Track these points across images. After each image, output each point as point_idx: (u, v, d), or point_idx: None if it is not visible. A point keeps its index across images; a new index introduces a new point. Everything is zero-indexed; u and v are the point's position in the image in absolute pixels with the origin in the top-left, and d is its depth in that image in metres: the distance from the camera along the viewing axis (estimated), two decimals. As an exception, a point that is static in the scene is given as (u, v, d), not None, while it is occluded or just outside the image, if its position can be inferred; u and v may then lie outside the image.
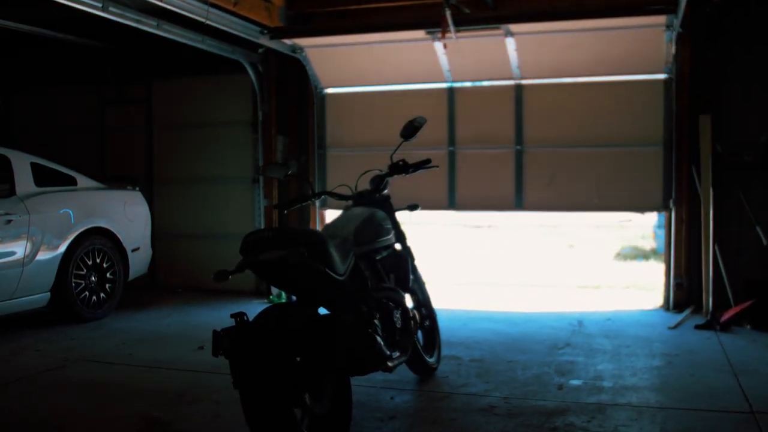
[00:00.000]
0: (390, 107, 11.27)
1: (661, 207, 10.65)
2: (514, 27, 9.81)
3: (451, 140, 11.22)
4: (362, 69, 11.36)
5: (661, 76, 10.28)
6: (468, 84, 11.16)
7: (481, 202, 11.36)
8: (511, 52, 10.36)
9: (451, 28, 9.50)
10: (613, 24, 9.53)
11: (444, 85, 11.15)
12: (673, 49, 9.85)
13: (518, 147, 10.93)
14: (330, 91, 11.73)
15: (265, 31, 10.16)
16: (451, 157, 11.22)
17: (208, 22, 8.99)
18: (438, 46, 10.34)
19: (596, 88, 10.59)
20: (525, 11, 9.86)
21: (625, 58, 10.22)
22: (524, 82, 10.83)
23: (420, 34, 10.14)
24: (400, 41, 10.49)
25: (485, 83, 11.13)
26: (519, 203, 11.05)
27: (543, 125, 10.87)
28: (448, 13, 9.39)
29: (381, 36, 10.43)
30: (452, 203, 11.31)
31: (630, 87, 10.44)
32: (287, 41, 10.71)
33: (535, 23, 9.74)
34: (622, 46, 10.04)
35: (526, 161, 10.92)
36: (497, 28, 9.80)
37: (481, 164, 11.17)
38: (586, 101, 10.65)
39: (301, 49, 11.00)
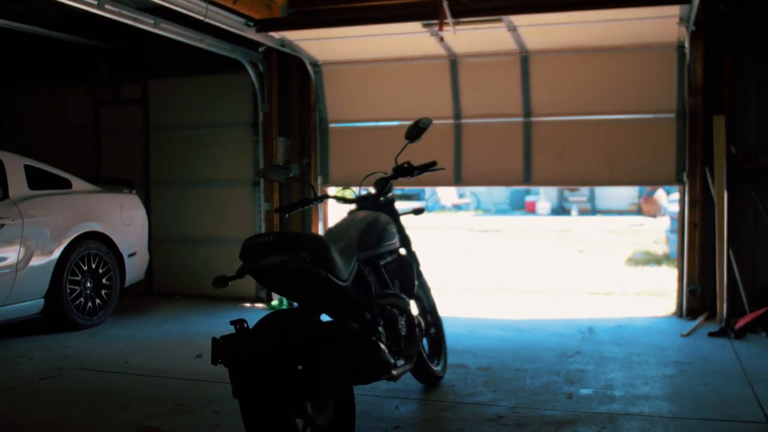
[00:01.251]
0: (392, 80, 11.30)
1: (674, 180, 10.59)
2: (516, 19, 9.49)
3: (457, 113, 11.20)
4: (359, 59, 11.38)
5: (675, 45, 10.17)
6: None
7: (488, 176, 11.36)
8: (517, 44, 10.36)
9: (449, 19, 9.24)
10: (625, 15, 9.40)
11: (446, 53, 10.96)
12: (687, 46, 9.86)
13: (526, 119, 10.90)
14: (328, 66, 11.66)
15: (251, 24, 9.94)
16: (457, 129, 11.20)
17: (207, 20, 9.00)
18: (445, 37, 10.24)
19: (607, 58, 10.47)
20: (528, 1, 9.43)
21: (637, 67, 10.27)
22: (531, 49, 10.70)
23: (417, 26, 9.79)
24: (397, 34, 10.23)
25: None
26: (527, 177, 11.02)
27: (552, 96, 10.80)
28: (445, 4, 9.11)
29: (376, 28, 10.10)
30: (458, 178, 11.29)
31: (643, 56, 10.33)
32: (275, 34, 10.46)
33: (539, 14, 9.40)
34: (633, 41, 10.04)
35: (535, 133, 10.89)
36: (498, 20, 9.51)
37: (487, 137, 11.16)
38: (597, 70, 10.57)
39: (291, 43, 10.81)
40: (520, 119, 10.94)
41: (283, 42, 10.67)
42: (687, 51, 9.98)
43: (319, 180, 11.73)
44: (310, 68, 11.53)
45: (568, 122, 10.83)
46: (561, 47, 10.56)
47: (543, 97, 10.82)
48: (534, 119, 10.87)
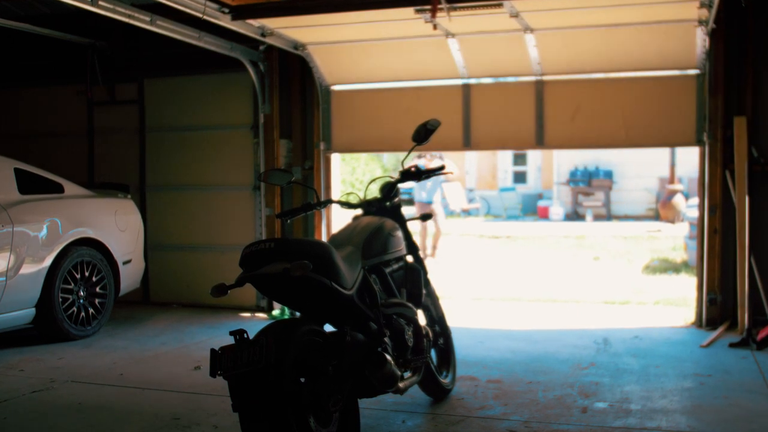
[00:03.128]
0: (391, 51, 11.09)
1: (693, 141, 10.46)
2: (518, 4, 9.14)
3: (463, 72, 11.09)
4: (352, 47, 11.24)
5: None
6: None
7: (499, 139, 11.33)
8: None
9: (444, 5, 8.87)
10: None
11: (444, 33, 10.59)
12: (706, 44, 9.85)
13: (538, 78, 10.83)
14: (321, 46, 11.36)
15: (226, 10, 9.37)
16: (466, 90, 11.15)
17: (205, 17, 9.01)
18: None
19: (622, 11, 9.98)
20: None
21: (657, 46, 10.17)
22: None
23: (409, 12, 9.36)
24: (387, 21, 9.91)
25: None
26: (540, 140, 10.97)
27: (564, 53, 10.59)
28: None
29: (364, 14, 9.67)
30: (467, 142, 11.25)
31: (660, 9, 9.95)
32: (254, 22, 9.97)
33: None
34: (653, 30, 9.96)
35: (547, 93, 10.84)
36: (499, 5, 9.12)
37: (497, 98, 11.11)
38: (612, 23, 10.14)
39: (272, 32, 10.43)
40: (532, 78, 10.85)
41: (263, 31, 10.29)
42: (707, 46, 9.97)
43: (322, 146, 11.72)
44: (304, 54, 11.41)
45: (583, 81, 10.75)
46: (570, 25, 10.20)
47: (555, 53, 10.56)
48: (546, 78, 10.79)
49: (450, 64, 10.96)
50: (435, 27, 9.43)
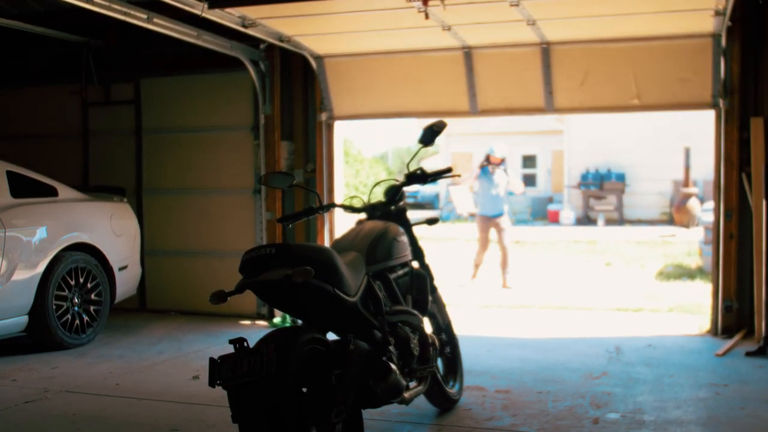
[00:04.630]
0: (385, 18, 10.19)
1: (709, 104, 10.36)
2: None
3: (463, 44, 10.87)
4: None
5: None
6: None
7: (507, 105, 11.26)
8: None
9: None
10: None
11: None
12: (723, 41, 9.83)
13: (544, 46, 10.64)
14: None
15: None
16: (468, 57, 10.98)
17: (204, 15, 9.00)
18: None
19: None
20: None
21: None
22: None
23: (399, 1, 8.96)
24: (376, 10, 9.54)
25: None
26: (549, 105, 10.91)
27: (572, 14, 10.00)
28: None
29: (351, 3, 9.45)
30: (474, 109, 11.17)
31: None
32: (233, 11, 9.46)
33: None
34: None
35: (554, 59, 10.68)
36: None
37: (502, 64, 10.97)
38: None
39: (254, 22, 9.92)
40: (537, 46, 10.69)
41: (244, 21, 9.76)
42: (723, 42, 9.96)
43: (324, 117, 11.69)
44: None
45: (592, 46, 10.59)
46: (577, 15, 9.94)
47: (562, 16, 10.03)
48: (553, 45, 10.63)
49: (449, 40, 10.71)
50: (427, 16, 8.98)
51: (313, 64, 11.43)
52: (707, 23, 9.54)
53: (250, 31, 10.03)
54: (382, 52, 11.27)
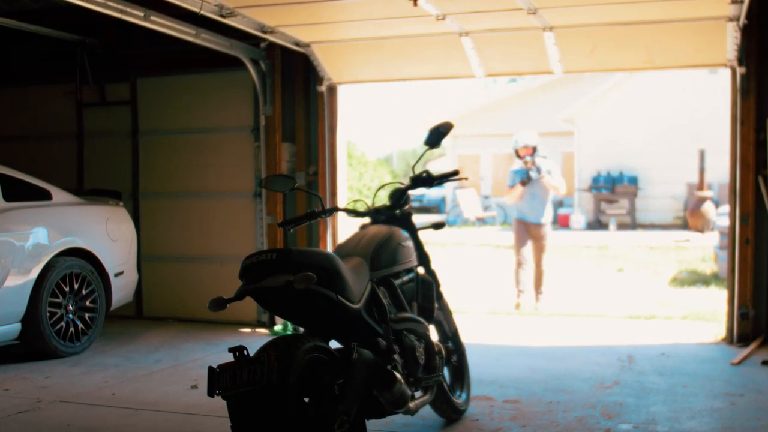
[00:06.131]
0: None
1: (724, 62, 10.27)
2: None
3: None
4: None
5: None
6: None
7: (512, 66, 11.29)
8: None
9: None
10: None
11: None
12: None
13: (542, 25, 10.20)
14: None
15: None
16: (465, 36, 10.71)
17: (202, 12, 9.00)
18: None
19: None
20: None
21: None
22: None
23: None
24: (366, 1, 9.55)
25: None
26: (557, 68, 10.83)
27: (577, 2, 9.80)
28: None
29: None
30: (479, 72, 11.05)
31: None
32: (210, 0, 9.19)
33: None
34: None
35: (560, 39, 10.36)
36: None
37: (505, 39, 10.64)
38: None
39: (231, 11, 9.50)
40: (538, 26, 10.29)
41: (221, 10, 9.40)
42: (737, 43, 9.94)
43: (324, 86, 11.62)
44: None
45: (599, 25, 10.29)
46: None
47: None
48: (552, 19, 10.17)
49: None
50: (415, 3, 8.80)
51: (302, 50, 11.29)
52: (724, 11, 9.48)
53: (229, 21, 9.71)
54: (374, 38, 11.04)
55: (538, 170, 13.70)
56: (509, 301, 13.93)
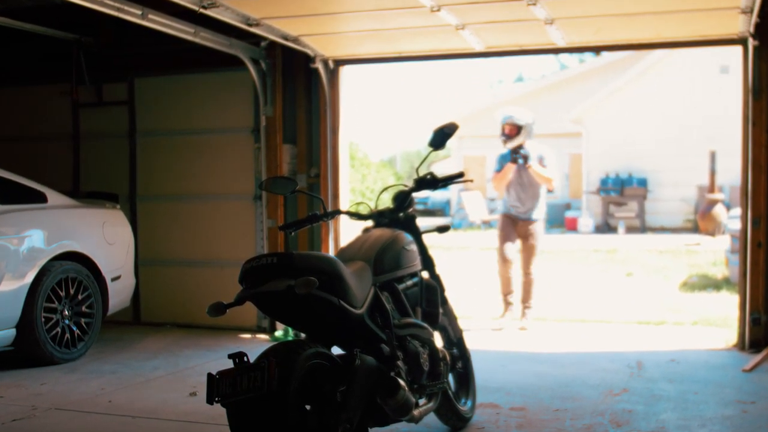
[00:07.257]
0: None
1: (736, 35, 10.17)
2: None
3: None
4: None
5: None
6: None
7: (515, 42, 11.14)
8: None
9: None
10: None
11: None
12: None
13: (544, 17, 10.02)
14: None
15: None
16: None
17: (201, 11, 9.00)
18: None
19: None
20: None
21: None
22: None
23: None
24: None
25: None
26: (561, 42, 10.71)
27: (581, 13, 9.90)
28: None
29: None
30: (480, 46, 11.04)
31: None
32: None
33: None
34: None
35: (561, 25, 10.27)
36: None
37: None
38: None
39: (213, 2, 9.23)
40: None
41: (201, 1, 9.05)
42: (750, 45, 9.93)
43: (327, 63, 11.65)
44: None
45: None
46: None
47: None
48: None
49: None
50: None
51: (292, 44, 11.16)
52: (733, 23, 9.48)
53: (210, 13, 9.36)
54: (366, 30, 10.91)
55: (525, 158, 12.19)
56: (516, 306, 13.47)
